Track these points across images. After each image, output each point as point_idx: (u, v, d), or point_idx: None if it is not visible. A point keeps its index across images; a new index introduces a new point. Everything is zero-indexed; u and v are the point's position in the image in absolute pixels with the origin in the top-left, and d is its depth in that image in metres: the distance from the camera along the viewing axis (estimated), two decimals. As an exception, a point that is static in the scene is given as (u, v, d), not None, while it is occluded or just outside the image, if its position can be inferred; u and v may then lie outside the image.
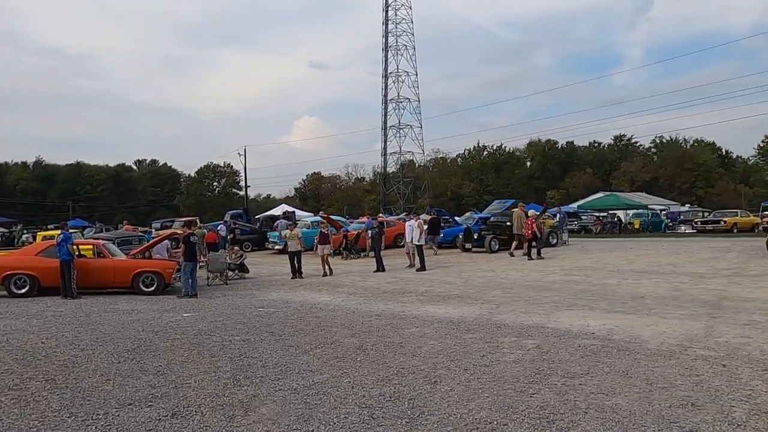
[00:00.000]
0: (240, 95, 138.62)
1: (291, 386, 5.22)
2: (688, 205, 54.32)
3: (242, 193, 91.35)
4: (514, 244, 18.29)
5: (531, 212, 17.81)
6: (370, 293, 12.01)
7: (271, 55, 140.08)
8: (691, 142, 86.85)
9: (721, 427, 3.92)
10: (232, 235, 23.51)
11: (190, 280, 12.30)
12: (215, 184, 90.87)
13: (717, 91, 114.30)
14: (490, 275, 13.92)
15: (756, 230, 27.98)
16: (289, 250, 15.63)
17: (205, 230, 20.20)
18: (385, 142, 74.88)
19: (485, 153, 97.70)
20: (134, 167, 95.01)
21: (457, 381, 5.25)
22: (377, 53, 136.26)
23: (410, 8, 72.62)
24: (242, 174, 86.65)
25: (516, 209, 18.54)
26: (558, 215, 22.58)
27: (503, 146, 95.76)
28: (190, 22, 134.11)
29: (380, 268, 15.77)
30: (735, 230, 27.59)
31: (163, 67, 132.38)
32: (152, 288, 12.80)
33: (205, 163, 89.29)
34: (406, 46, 72.91)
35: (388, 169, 77.08)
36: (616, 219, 33.01)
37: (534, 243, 17.13)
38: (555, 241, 20.83)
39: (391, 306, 10.16)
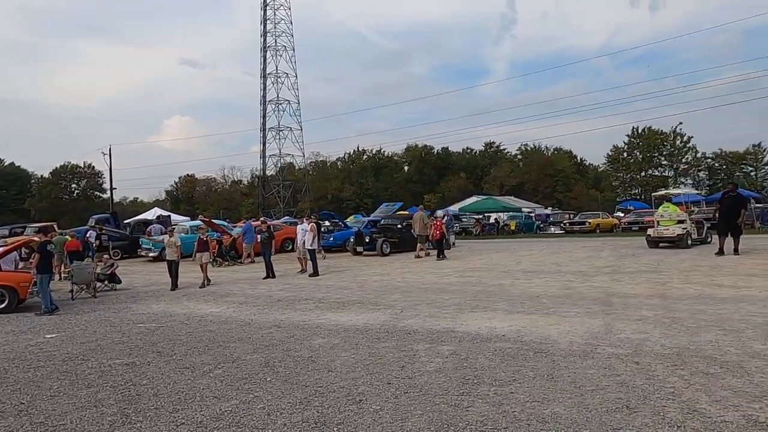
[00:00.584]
0: (102, 90, 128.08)
1: (195, 419, 4.48)
2: (551, 208, 58.87)
3: (106, 195, 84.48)
4: (419, 246, 18.47)
5: (439, 213, 18.41)
6: (263, 302, 11.23)
7: (137, 49, 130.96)
8: (552, 149, 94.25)
9: (662, 430, 3.87)
10: (98, 242, 21.24)
11: (48, 295, 10.71)
12: (73, 186, 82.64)
13: (572, 103, 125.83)
14: (386, 279, 13.70)
15: (614, 230, 30.92)
16: (167, 258, 14.31)
17: (67, 237, 17.99)
18: (264, 144, 72.96)
19: (365, 157, 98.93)
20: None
21: (384, 398, 4.83)
22: (253, 53, 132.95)
23: (289, 9, 71.57)
24: (106, 175, 79.88)
25: (419, 212, 19.04)
26: (445, 218, 23.05)
27: (382, 150, 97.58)
28: (40, 7, 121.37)
29: (270, 274, 14.96)
30: (598, 230, 30.21)
31: (7, 56, 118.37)
32: (2, 306, 10.98)
33: (62, 163, 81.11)
34: (285, 46, 71.70)
35: (267, 171, 75.27)
36: (493, 221, 34.74)
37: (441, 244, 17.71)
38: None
39: (290, 315, 9.51)
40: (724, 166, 79.06)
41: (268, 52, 71.34)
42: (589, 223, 30.55)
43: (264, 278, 14.93)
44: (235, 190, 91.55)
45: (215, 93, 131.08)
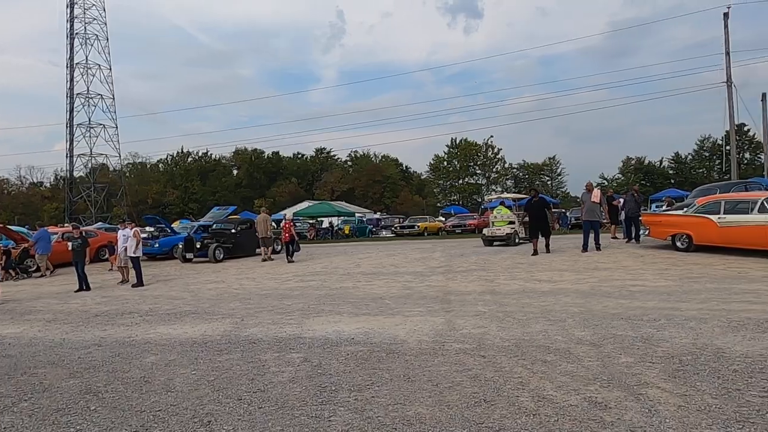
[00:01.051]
0: None
1: (-3, 466, 3.61)
2: (379, 213, 61.20)
3: None
4: (269, 250, 18.57)
5: (288, 215, 18.10)
6: (78, 318, 9.82)
7: None
8: (380, 157, 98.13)
9: (520, 419, 4.00)
10: None
11: None
12: None
13: (398, 113, 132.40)
14: (221, 286, 12.87)
15: (440, 233, 33.00)
16: None
17: None
18: (71, 141, 65.19)
19: (190, 159, 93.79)
20: None
21: (237, 416, 4.38)
22: (57, 40, 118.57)
23: (100, -8, 64.98)
24: None
25: (263, 214, 18.62)
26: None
27: (209, 153, 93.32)
28: None
29: (84, 286, 13.22)
30: (426, 233, 31.97)
31: None
32: None
33: None
34: (96, 35, 65.06)
35: (76, 173, 67.34)
36: (327, 225, 34.92)
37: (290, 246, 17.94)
38: (279, 247, 20.69)
39: (112, 331, 8.41)
40: (527, 176, 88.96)
41: (77, 40, 64.14)
42: (418, 226, 32.25)
43: (77, 291, 13.17)
44: (34, 193, 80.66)
45: (9, 82, 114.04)
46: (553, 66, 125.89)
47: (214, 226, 19.95)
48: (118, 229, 15.65)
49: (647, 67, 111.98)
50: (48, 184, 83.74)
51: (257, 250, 19.48)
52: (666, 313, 7.41)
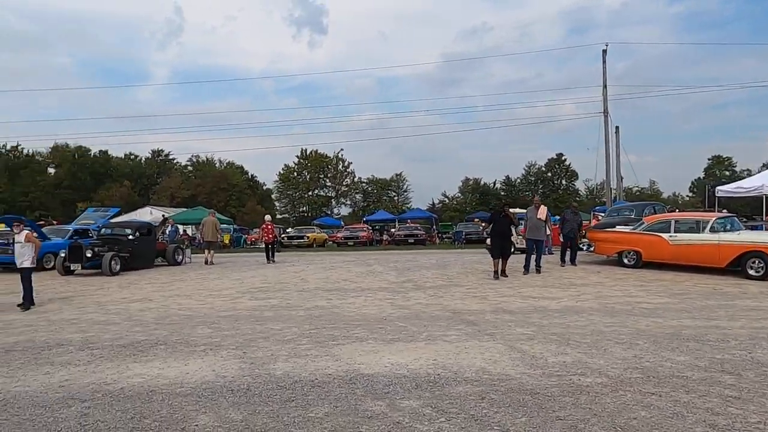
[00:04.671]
0: None
1: None
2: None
3: None
4: (211, 253, 17.90)
5: (267, 217, 16.31)
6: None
7: None
8: (225, 164, 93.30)
9: None
10: None
11: None
12: None
13: (241, 120, 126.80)
14: (152, 306, 10.32)
15: (326, 244, 31.69)
16: None
17: None
18: None
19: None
20: None
21: None
22: None
23: None
24: None
25: (210, 216, 16.21)
26: (169, 228, 19.40)
27: (19, 147, 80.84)
28: None
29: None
30: (314, 245, 30.32)
31: None
32: None
33: None
34: None
35: None
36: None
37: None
38: (181, 257, 17.76)
39: (65, 374, 6.00)
40: (375, 191, 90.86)
41: None
42: (308, 237, 30.48)
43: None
44: None
45: None
46: (392, 88, 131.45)
47: (103, 231, 16.37)
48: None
49: (473, 97, 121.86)
50: None
51: (156, 260, 16.74)
52: (724, 333, 7.28)
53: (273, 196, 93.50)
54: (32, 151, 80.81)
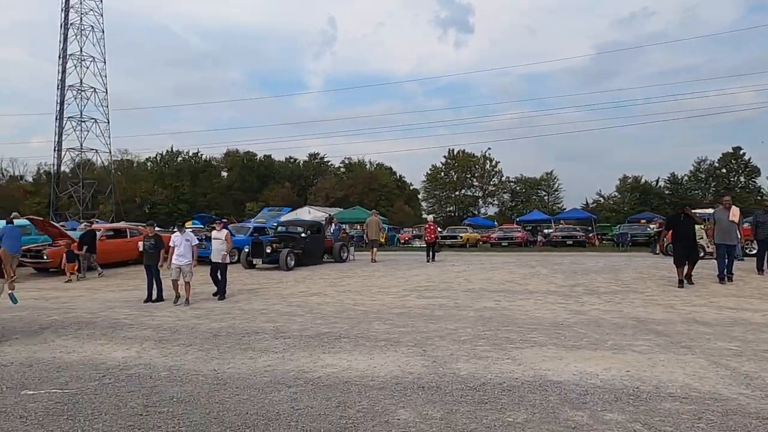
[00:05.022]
0: None
1: None
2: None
3: None
4: (375, 251, 18.69)
5: (429, 217, 17.18)
6: (194, 337, 7.91)
7: None
8: (375, 165, 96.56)
9: None
10: None
11: None
12: None
13: (386, 123, 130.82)
14: (328, 300, 10.99)
15: (478, 245, 31.53)
16: None
17: None
18: (60, 135, 62.13)
19: (180, 159, 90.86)
20: None
21: None
22: (39, 30, 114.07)
23: (98, -18, 62.21)
24: None
25: (373, 216, 17.16)
26: (333, 227, 20.60)
27: (200, 153, 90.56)
28: None
29: (156, 295, 11.19)
30: (467, 245, 30.32)
31: None
32: None
33: None
34: (92, 26, 62.23)
35: (55, 167, 64.15)
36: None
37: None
38: (346, 255, 18.82)
39: (259, 360, 6.55)
40: (524, 190, 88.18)
41: (71, 30, 61.24)
42: (461, 237, 30.56)
43: (146, 301, 11.12)
44: (14, 187, 76.84)
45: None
46: (540, 84, 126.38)
47: (280, 228, 17.95)
48: (174, 231, 13.63)
49: (629, 90, 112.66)
50: (31, 178, 79.90)
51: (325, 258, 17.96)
52: None
53: (419, 196, 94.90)
54: (209, 156, 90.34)
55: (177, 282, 10.93)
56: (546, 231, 34.78)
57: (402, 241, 33.44)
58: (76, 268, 15.11)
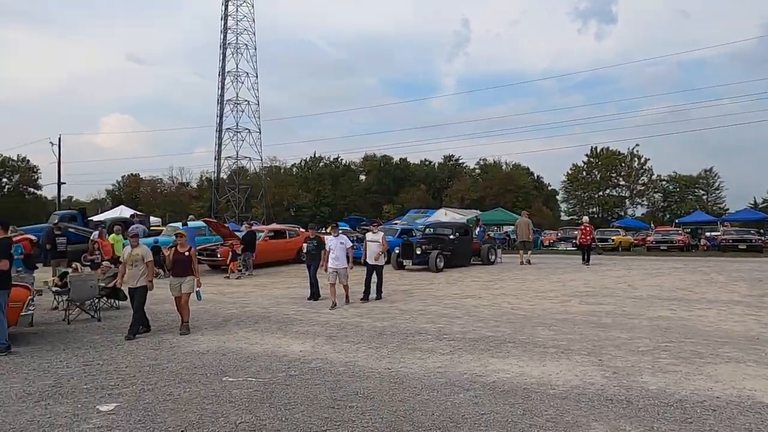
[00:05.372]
0: (33, 82, 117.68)
1: None
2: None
3: (40, 192, 76.72)
4: (528, 254, 18.28)
5: (585, 219, 17.31)
6: (358, 336, 8.20)
7: (74, 40, 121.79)
8: (511, 165, 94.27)
9: None
10: (50, 246, 16.64)
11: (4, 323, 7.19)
12: (4, 180, 74.16)
13: (524, 122, 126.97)
14: (483, 302, 10.87)
15: (631, 249, 29.45)
16: (129, 285, 8.57)
17: (31, 237, 14.04)
18: (220, 145, 68.51)
19: (321, 164, 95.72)
20: None
21: None
22: (203, 52, 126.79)
23: (252, 6, 67.67)
24: (41, 170, 72.42)
25: (523, 218, 17.14)
26: (478, 229, 20.44)
27: (340, 158, 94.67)
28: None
29: (316, 294, 11.75)
30: (620, 248, 28.48)
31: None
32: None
33: (-8, 155, 72.51)
34: (246, 45, 67.75)
35: (215, 174, 70.78)
36: (504, 234, 32.13)
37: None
38: (494, 257, 18.60)
39: (432, 360, 6.58)
40: (677, 189, 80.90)
41: (228, 50, 67.24)
42: (613, 240, 28.77)
43: (309, 299, 11.72)
44: (182, 193, 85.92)
45: (159, 92, 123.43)
46: (694, 73, 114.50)
47: (427, 230, 18.26)
48: (325, 232, 14.20)
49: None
50: (195, 185, 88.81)
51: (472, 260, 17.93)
52: None
53: (557, 197, 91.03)
54: (348, 161, 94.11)
55: (334, 286, 10.97)
56: (709, 234, 31.45)
57: (546, 244, 32.12)
58: (237, 266, 16.42)
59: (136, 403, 4.93)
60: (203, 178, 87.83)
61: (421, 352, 7.11)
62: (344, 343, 7.77)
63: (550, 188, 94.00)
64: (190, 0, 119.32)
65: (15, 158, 72.07)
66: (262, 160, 71.77)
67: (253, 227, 20.04)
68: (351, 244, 11.42)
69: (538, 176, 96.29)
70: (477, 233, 19.59)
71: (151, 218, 26.68)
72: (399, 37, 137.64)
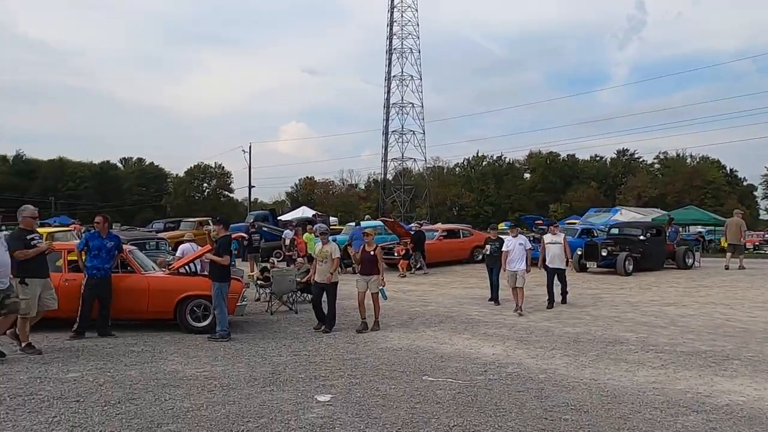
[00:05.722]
0: (224, 97, 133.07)
1: None
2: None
3: (233, 195, 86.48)
4: (728, 256, 16.79)
5: None
6: (545, 338, 7.81)
7: (258, 57, 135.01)
8: (698, 159, 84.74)
9: None
10: (246, 242, 18.46)
11: (225, 312, 7.96)
12: (204, 185, 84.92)
13: (710, 110, 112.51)
14: (689, 312, 9.75)
15: None
16: (315, 280, 8.98)
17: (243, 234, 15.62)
18: (386, 147, 71.26)
19: (484, 163, 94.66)
20: (119, 165, 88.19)
21: None
22: (370, 60, 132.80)
23: (416, 10, 69.19)
24: (234, 176, 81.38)
25: (735, 217, 15.87)
26: (670, 229, 18.57)
27: (503, 157, 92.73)
28: (174, 20, 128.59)
29: (495, 297, 11.44)
30: None
31: (145, 66, 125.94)
32: (205, 323, 8.32)
33: (195, 163, 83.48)
34: (411, 49, 69.46)
35: (382, 176, 73.60)
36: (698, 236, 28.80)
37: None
38: (691, 261, 16.83)
39: (621, 371, 5.95)
40: None
41: (394, 55, 69.48)
42: None
43: (490, 300, 11.45)
44: (352, 194, 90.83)
45: (329, 99, 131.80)
46: None
47: (612, 231, 17.09)
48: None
49: None
50: (362, 186, 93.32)
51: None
52: None
53: (755, 193, 79.68)
54: (512, 159, 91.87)
55: (516, 290, 10.39)
56: None
57: (750, 246, 28.09)
58: (407, 265, 16.66)
59: (348, 396, 5.14)
60: (370, 179, 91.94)
61: (626, 363, 6.52)
62: (537, 348, 7.43)
63: (745, 183, 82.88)
64: (356, 12, 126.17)
65: (212, 165, 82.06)
66: (426, 160, 73.36)
67: (423, 227, 20.32)
68: (531, 246, 10.93)
69: (731, 170, 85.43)
70: (669, 234, 17.75)
71: (330, 218, 28.43)
72: (564, 28, 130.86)
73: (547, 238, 11.24)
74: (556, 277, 10.95)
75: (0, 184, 74.19)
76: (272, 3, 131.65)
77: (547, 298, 10.81)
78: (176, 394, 5.07)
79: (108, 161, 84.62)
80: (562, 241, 10.93)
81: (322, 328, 8.69)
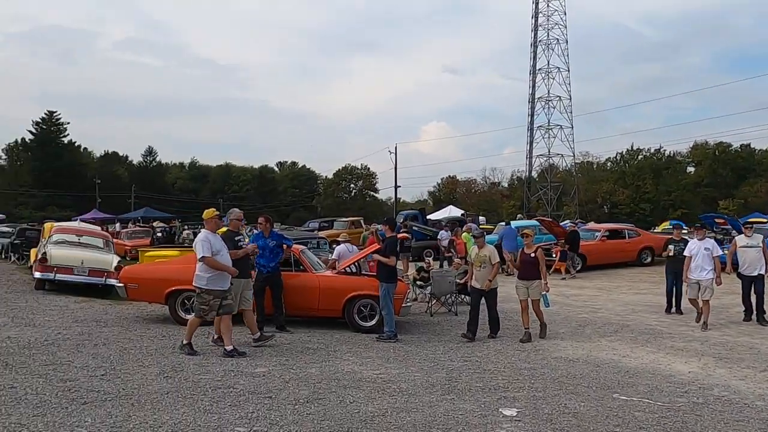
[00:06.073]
0: (368, 101, 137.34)
1: None
2: None
3: (377, 195, 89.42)
4: None
5: None
6: (751, 357, 6.88)
7: (400, 60, 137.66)
8: None
9: None
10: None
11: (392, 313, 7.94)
12: (351, 186, 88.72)
13: None
14: None
15: None
16: (473, 285, 8.46)
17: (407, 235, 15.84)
18: (531, 143, 68.66)
19: (640, 157, 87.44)
20: (276, 168, 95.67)
21: None
22: (508, 54, 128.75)
23: (564, -2, 65.60)
24: (378, 177, 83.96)
25: None
26: None
27: (662, 149, 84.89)
28: (322, 31, 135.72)
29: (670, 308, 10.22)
30: None
31: (298, 75, 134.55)
32: (372, 322, 8.43)
33: (343, 165, 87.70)
34: (558, 39, 66.12)
35: (527, 173, 71.10)
36: None
37: None
38: None
39: None
40: None
41: (539, 47, 66.66)
42: None
43: (667, 311, 10.26)
44: (494, 192, 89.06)
45: (469, 97, 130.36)
46: None
47: None
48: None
49: None
50: (505, 184, 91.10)
51: None
52: None
53: None
54: (673, 152, 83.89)
55: (695, 301, 9.18)
56: None
57: None
58: (565, 266, 15.71)
59: (536, 412, 4.78)
60: (514, 177, 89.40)
61: None
62: (743, 368, 6.47)
63: None
64: (495, 6, 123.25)
65: (359, 167, 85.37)
66: (574, 156, 69.61)
67: (579, 227, 19.12)
68: (720, 252, 9.53)
69: None
70: None
71: (480, 218, 27.94)
72: (736, 2, 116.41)
73: (741, 240, 9.79)
74: (752, 287, 9.49)
75: (178, 188, 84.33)
76: (410, 6, 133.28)
77: (743, 309, 9.46)
78: (358, 396, 5.09)
79: (266, 165, 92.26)
80: (761, 244, 9.47)
81: (471, 336, 8.09)
